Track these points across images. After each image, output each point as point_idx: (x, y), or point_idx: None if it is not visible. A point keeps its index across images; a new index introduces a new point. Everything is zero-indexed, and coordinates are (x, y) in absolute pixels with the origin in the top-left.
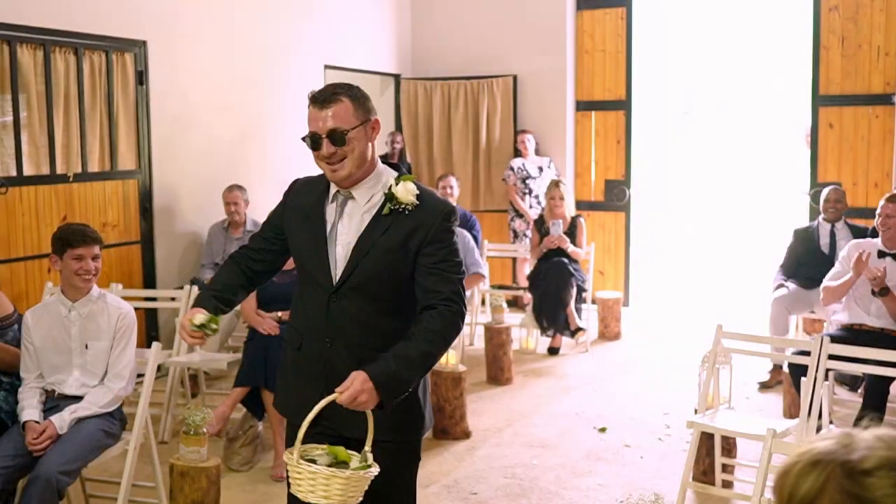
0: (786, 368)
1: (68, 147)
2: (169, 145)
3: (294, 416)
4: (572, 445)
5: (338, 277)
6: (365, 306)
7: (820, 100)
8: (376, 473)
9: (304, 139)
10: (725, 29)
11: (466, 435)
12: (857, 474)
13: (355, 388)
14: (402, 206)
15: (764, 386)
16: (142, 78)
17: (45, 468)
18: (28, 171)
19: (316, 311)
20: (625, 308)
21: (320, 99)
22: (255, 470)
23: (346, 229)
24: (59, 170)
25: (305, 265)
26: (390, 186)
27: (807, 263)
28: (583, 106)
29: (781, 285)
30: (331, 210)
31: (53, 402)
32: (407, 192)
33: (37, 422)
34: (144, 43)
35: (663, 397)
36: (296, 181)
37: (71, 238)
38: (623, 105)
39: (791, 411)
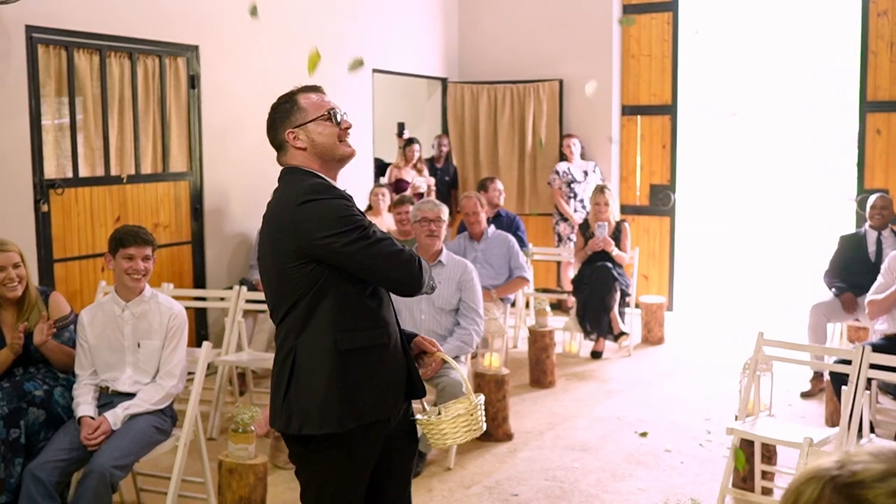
0: (827, 377)
1: (122, 149)
2: (219, 148)
3: (393, 406)
4: (613, 449)
5: None
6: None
7: (867, 105)
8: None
9: (326, 119)
10: (773, 32)
11: (508, 437)
12: (851, 488)
13: None
14: None
15: (806, 395)
16: (194, 82)
17: (99, 462)
18: (83, 172)
19: (386, 305)
20: (668, 313)
21: (318, 89)
22: None
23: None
24: (114, 171)
25: None
26: None
27: (853, 271)
28: (628, 110)
29: (834, 286)
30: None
31: (107, 398)
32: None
33: (91, 417)
34: (197, 48)
35: (705, 403)
36: (333, 191)
37: (124, 238)
38: (668, 110)
39: (833, 419)
